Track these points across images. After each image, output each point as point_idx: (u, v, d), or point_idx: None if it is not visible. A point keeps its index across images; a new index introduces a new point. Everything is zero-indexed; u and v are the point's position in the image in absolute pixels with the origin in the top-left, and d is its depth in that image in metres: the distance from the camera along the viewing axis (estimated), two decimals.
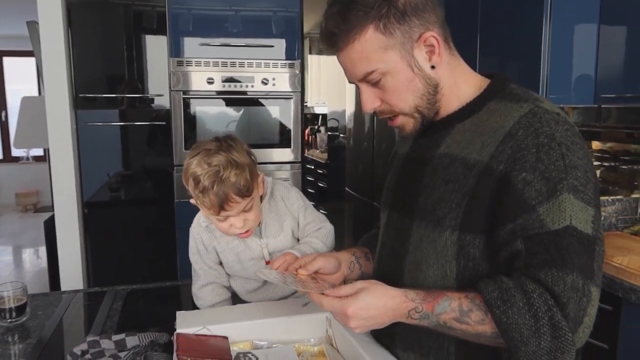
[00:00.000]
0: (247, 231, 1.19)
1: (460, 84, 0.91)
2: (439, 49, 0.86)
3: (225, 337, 1.03)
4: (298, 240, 1.31)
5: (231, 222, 1.15)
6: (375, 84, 0.87)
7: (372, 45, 0.83)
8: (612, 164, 2.11)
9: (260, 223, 1.24)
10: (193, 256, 1.32)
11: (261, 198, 1.24)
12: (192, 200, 1.16)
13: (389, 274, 0.96)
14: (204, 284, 1.30)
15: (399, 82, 0.86)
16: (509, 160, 0.78)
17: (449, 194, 0.84)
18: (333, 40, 0.86)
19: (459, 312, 0.79)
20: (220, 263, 1.31)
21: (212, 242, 1.28)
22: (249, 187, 1.12)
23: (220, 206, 1.10)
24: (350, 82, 0.92)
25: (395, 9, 0.82)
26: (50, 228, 2.66)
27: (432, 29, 0.85)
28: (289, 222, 1.27)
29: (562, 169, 0.76)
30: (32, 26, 2.69)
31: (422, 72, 0.86)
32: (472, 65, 0.95)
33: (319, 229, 1.29)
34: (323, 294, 0.85)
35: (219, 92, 2.57)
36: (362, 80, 0.88)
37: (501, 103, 0.86)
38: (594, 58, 1.94)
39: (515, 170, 0.78)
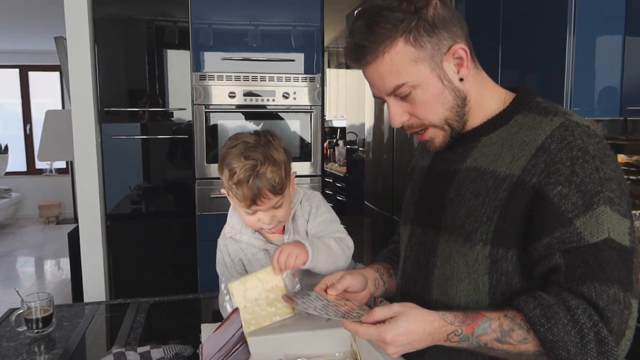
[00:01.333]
0: (278, 227, 1.18)
1: (486, 97, 0.91)
2: (467, 62, 0.86)
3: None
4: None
5: (259, 216, 1.14)
6: (404, 98, 0.87)
7: (402, 57, 0.83)
8: (639, 177, 2.07)
9: (284, 229, 1.23)
10: (220, 268, 1.30)
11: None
12: (223, 191, 1.17)
13: (415, 288, 0.95)
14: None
15: (430, 94, 0.86)
16: (543, 174, 0.78)
17: (478, 208, 0.84)
18: (361, 53, 0.85)
19: (500, 333, 0.78)
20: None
21: (239, 253, 1.27)
22: (283, 185, 1.11)
23: (253, 200, 1.10)
24: (376, 96, 0.91)
25: (425, 21, 0.82)
26: (74, 240, 2.70)
27: (459, 42, 0.85)
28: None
29: (598, 181, 0.77)
30: (60, 42, 2.76)
31: (451, 85, 0.86)
32: (494, 78, 0.96)
33: (340, 238, 1.23)
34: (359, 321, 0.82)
35: (241, 106, 2.59)
36: (391, 94, 0.87)
37: (529, 116, 0.86)
38: (620, 70, 1.92)
39: (549, 184, 0.78)
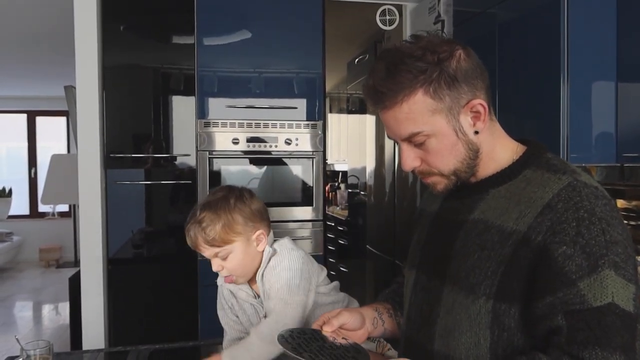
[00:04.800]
0: (229, 277, 1.23)
1: (498, 148, 0.91)
2: (485, 116, 0.87)
3: None
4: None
5: (213, 262, 1.22)
6: (418, 145, 0.87)
7: (420, 107, 0.84)
8: (639, 222, 2.07)
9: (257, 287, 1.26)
10: (219, 312, 1.35)
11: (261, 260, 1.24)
12: None
13: (419, 336, 0.95)
14: (232, 339, 1.31)
15: (443, 145, 0.86)
16: (548, 232, 0.78)
17: (483, 261, 0.84)
18: (379, 98, 0.86)
19: None
20: None
21: (231, 299, 1.31)
22: (217, 239, 1.17)
23: (193, 247, 1.20)
24: (390, 138, 0.92)
25: (447, 74, 0.83)
26: (74, 285, 2.68)
27: (479, 96, 0.86)
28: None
29: (603, 244, 0.76)
30: (69, 90, 2.84)
31: (465, 137, 0.87)
32: None
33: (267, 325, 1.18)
34: None
35: (244, 152, 2.64)
36: (405, 139, 0.88)
37: (538, 172, 0.86)
38: (614, 116, 1.94)
39: (554, 243, 0.77)
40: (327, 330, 0.96)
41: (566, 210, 0.78)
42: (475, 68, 0.86)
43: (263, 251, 1.24)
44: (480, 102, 0.86)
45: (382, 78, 0.84)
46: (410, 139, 0.87)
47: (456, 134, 0.86)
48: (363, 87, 0.89)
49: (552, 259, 0.77)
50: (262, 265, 1.23)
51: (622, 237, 0.78)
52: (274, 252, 1.24)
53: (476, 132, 0.87)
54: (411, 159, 0.89)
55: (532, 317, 0.79)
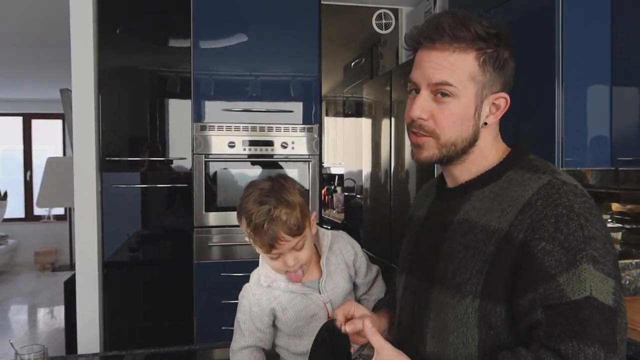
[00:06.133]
0: (299, 275, 1.19)
1: (492, 149, 0.93)
2: (500, 113, 0.91)
3: None
4: (354, 285, 1.34)
5: (284, 260, 1.16)
6: (439, 98, 0.88)
7: (464, 66, 0.86)
8: (634, 226, 2.08)
9: (320, 277, 1.25)
10: (243, 315, 1.27)
11: (317, 248, 1.27)
12: (247, 238, 1.18)
13: (411, 339, 0.95)
14: (245, 345, 1.27)
15: (460, 112, 0.88)
16: (529, 230, 0.80)
17: (469, 261, 0.85)
18: (436, 34, 0.86)
19: None
20: (273, 325, 1.28)
21: (272, 302, 1.25)
22: (300, 226, 1.13)
23: (271, 245, 1.12)
24: (412, 81, 0.91)
25: (498, 56, 0.87)
26: (70, 288, 2.67)
27: (506, 93, 0.90)
28: (345, 274, 1.29)
29: (581, 239, 0.77)
30: (65, 93, 2.84)
31: (477, 121, 0.89)
32: None
33: (374, 282, 1.38)
34: None
35: (240, 155, 2.63)
36: (432, 86, 0.88)
37: (519, 173, 0.89)
38: (608, 120, 1.95)
39: (534, 240, 0.79)
40: (348, 330, 0.97)
41: (545, 207, 0.80)
42: (513, 69, 0.91)
43: (317, 234, 1.27)
44: (505, 97, 0.90)
45: (451, 20, 0.86)
46: (437, 87, 0.87)
47: (474, 112, 0.88)
48: (426, 20, 0.90)
49: (532, 255, 0.78)
50: (325, 245, 1.26)
51: (601, 233, 0.79)
52: (331, 240, 1.28)
53: (485, 124, 0.90)
54: (422, 109, 0.88)
55: (515, 313, 0.80)
